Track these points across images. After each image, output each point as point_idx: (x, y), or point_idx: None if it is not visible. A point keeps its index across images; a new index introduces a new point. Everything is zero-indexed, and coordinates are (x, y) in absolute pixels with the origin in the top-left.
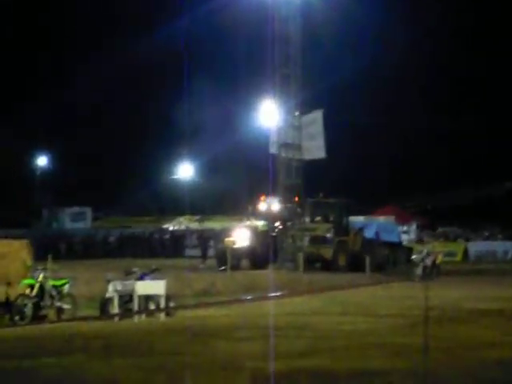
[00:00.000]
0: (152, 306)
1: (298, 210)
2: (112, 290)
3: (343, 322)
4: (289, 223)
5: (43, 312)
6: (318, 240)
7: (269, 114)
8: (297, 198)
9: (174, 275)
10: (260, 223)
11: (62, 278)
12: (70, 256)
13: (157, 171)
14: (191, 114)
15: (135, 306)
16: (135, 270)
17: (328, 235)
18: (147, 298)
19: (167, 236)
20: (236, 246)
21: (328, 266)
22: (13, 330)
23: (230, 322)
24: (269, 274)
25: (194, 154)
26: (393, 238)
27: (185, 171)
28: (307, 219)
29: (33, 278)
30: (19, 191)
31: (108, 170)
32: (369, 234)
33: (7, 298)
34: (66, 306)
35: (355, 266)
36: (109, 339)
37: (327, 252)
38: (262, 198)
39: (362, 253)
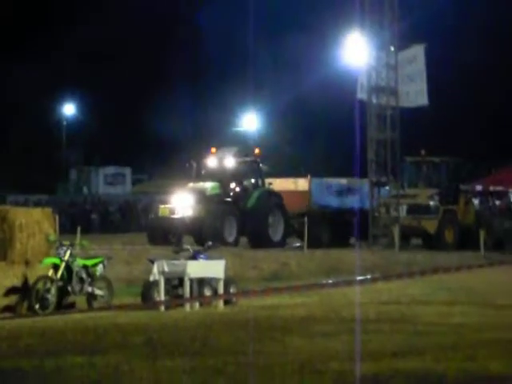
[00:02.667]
0: (208, 293)
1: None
2: (157, 271)
3: (451, 313)
4: (247, 183)
5: (70, 299)
6: (418, 210)
7: (356, 51)
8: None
9: (236, 253)
10: (209, 185)
11: (94, 257)
12: (105, 229)
13: (215, 122)
14: (258, 52)
15: (186, 291)
16: (187, 246)
17: (431, 203)
18: (201, 282)
19: None
20: (174, 216)
21: (431, 242)
22: (32, 321)
23: (307, 312)
24: (356, 253)
25: (261, 102)
26: None
27: (250, 122)
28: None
29: (57, 256)
30: (42, 147)
31: (153, 121)
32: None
33: (25, 281)
34: (98, 292)
35: (466, 242)
36: (153, 334)
37: (430, 225)
38: (213, 150)
39: (475, 226)
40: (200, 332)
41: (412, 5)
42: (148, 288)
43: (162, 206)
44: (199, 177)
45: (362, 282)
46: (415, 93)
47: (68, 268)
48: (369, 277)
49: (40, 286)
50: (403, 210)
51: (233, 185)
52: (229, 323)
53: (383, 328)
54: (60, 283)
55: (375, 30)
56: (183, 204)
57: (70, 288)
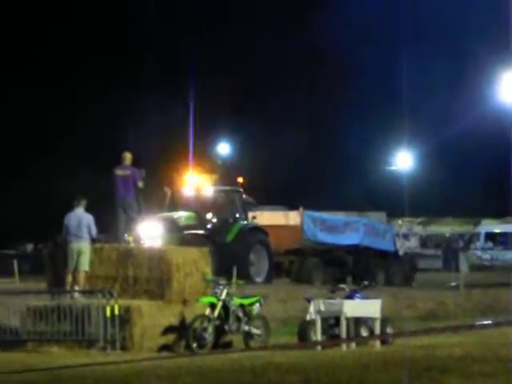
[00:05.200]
0: (364, 332)
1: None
2: (313, 311)
3: None
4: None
5: (227, 338)
6: None
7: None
8: None
9: (391, 293)
10: (182, 214)
11: (250, 296)
12: None
13: (368, 160)
14: (410, 91)
15: (343, 331)
16: (343, 286)
17: None
18: (358, 322)
19: None
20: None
21: None
22: (190, 360)
23: (465, 352)
24: None
25: (415, 140)
26: None
27: (404, 161)
28: None
29: (214, 295)
30: None
31: (306, 157)
32: None
33: (183, 320)
34: (255, 331)
35: None
36: (309, 373)
37: None
38: (189, 176)
39: None
40: (357, 371)
41: None
42: (304, 327)
43: (127, 236)
44: (173, 206)
45: None
46: None
47: (225, 307)
48: None
49: (197, 324)
50: None
51: (209, 216)
52: (386, 363)
53: None
54: (217, 322)
55: None
56: (151, 233)
57: (226, 327)
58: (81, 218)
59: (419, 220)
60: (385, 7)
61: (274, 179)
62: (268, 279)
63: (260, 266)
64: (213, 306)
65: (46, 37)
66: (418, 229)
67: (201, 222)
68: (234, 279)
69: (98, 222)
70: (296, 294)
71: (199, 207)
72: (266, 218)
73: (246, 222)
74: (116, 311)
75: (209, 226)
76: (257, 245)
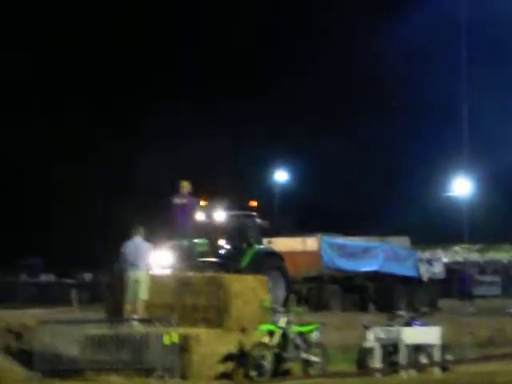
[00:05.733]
0: (423, 359)
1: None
2: (372, 338)
3: None
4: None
5: (286, 366)
6: None
7: None
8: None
9: (450, 320)
10: (196, 241)
11: (308, 324)
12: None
13: (424, 186)
14: (471, 115)
15: (402, 358)
16: (401, 313)
17: None
18: (417, 349)
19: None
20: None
21: None
22: None
23: None
24: None
25: (473, 165)
26: None
27: (462, 187)
28: None
29: (273, 323)
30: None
31: (362, 182)
32: None
33: (241, 348)
34: (314, 359)
35: None
36: None
37: None
38: (203, 201)
39: None
40: None
41: None
42: (363, 354)
43: None
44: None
45: None
46: None
47: (284, 335)
48: None
49: (256, 352)
50: None
51: (222, 242)
52: None
53: None
54: (276, 350)
55: None
56: (162, 262)
57: (285, 355)
58: (139, 247)
59: (477, 247)
60: (443, 32)
61: (330, 205)
62: (285, 307)
63: (277, 292)
64: (271, 334)
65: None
66: (475, 255)
67: (214, 249)
68: (293, 307)
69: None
70: (353, 321)
71: (212, 233)
72: (283, 243)
73: (261, 247)
74: (174, 339)
75: (222, 252)
76: (273, 270)
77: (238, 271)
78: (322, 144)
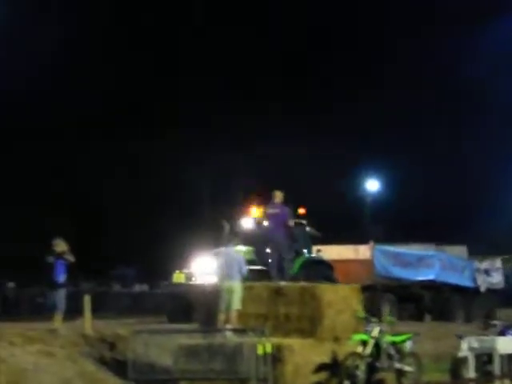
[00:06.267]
0: None
1: None
2: (466, 347)
3: None
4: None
5: (379, 375)
6: None
7: None
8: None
9: None
10: (240, 249)
11: (401, 333)
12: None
13: None
14: None
15: (496, 368)
16: (495, 322)
17: None
18: (511, 359)
19: None
20: (192, 282)
21: None
22: None
23: None
24: None
25: None
26: None
27: None
28: None
29: (366, 332)
30: (343, 221)
31: (453, 192)
32: None
33: (335, 358)
34: (407, 369)
35: None
36: None
37: None
38: (251, 209)
39: None
40: None
41: None
42: (457, 364)
43: (178, 271)
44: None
45: None
46: None
47: (377, 344)
48: None
49: (349, 362)
50: None
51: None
52: None
53: None
54: (369, 360)
55: None
56: (205, 269)
57: (379, 364)
58: (232, 257)
59: None
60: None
61: (421, 215)
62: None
63: None
64: (365, 344)
65: None
66: None
67: (260, 257)
68: (385, 316)
69: None
70: (445, 330)
71: (259, 241)
72: (335, 252)
73: (309, 256)
74: (268, 349)
75: (269, 261)
76: (322, 280)
77: (285, 280)
78: (412, 151)
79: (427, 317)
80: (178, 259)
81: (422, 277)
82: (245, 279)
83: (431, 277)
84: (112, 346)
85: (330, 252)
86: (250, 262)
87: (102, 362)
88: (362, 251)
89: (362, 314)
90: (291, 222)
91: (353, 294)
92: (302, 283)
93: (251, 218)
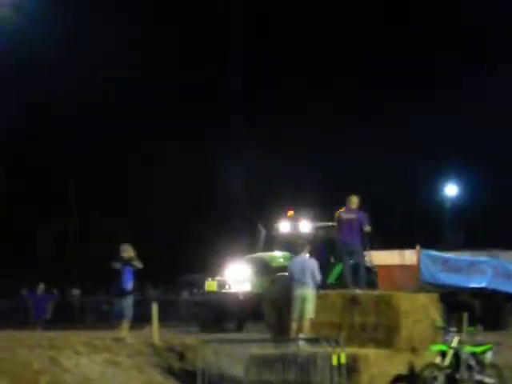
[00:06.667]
0: None
1: None
2: None
3: None
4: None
5: None
6: None
7: None
8: None
9: None
10: (276, 255)
11: (482, 344)
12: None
13: None
14: None
15: None
16: None
17: None
18: None
19: None
20: (225, 291)
21: None
22: None
23: None
24: None
25: None
26: None
27: None
28: None
29: (445, 342)
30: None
31: None
32: None
33: (412, 369)
34: (488, 380)
35: None
36: None
37: None
38: (290, 212)
39: None
40: None
41: None
42: None
43: (210, 279)
44: (267, 245)
45: None
46: None
47: (456, 355)
48: None
49: (427, 373)
50: None
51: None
52: None
53: None
54: (448, 371)
55: None
56: (238, 276)
57: (458, 376)
58: (304, 264)
59: None
60: None
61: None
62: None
63: None
64: (443, 354)
65: None
66: None
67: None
68: (465, 326)
69: None
70: None
71: (295, 246)
72: (379, 257)
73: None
74: (343, 360)
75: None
76: (363, 288)
77: (325, 288)
78: (492, 154)
79: (479, 327)
80: (210, 266)
81: (473, 284)
82: (318, 287)
83: (483, 284)
84: (181, 356)
85: (374, 257)
86: (283, 268)
87: (170, 372)
88: (408, 256)
89: (440, 323)
90: (368, 228)
91: (431, 303)
92: (379, 291)
93: (288, 222)
